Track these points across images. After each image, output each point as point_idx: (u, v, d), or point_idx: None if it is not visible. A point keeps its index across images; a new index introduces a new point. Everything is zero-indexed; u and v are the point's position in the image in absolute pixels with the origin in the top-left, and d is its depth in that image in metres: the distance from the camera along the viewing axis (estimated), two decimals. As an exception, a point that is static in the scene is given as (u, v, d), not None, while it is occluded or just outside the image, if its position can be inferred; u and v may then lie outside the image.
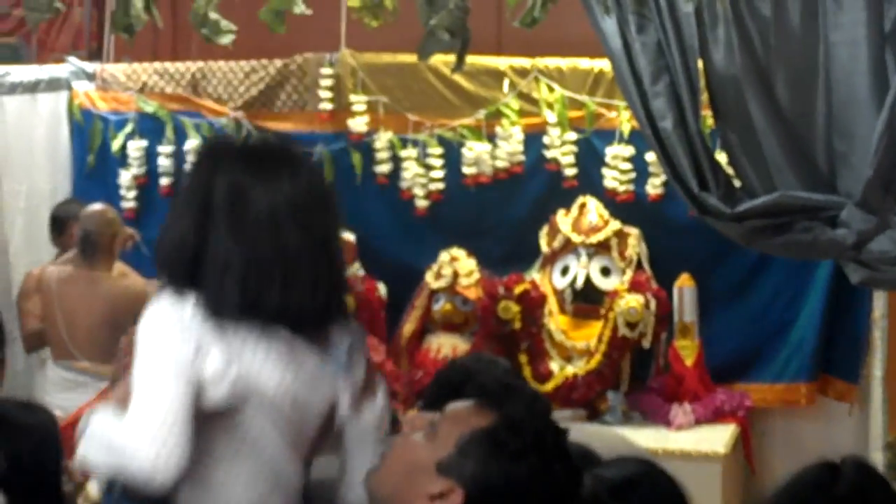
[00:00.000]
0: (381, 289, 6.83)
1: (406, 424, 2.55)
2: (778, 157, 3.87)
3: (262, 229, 2.72)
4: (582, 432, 3.89)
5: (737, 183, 4.07)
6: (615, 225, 6.61)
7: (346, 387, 2.75)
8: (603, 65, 6.54)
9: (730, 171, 4.12)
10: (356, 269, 6.90)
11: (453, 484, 2.34)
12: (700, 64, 4.01)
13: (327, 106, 7.05)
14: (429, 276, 6.82)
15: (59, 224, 6.94)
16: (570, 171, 6.74)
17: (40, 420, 3.68)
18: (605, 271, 6.62)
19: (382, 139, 6.95)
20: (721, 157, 4.18)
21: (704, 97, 4.06)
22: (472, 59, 6.12)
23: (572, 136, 6.72)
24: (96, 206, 6.68)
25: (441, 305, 6.80)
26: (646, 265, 6.63)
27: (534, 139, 6.80)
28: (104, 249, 6.55)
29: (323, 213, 2.81)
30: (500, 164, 6.83)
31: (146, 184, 7.37)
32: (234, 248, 2.71)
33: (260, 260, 2.71)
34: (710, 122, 4.35)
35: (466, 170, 6.86)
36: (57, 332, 6.56)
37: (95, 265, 6.56)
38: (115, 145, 7.38)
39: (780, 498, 2.45)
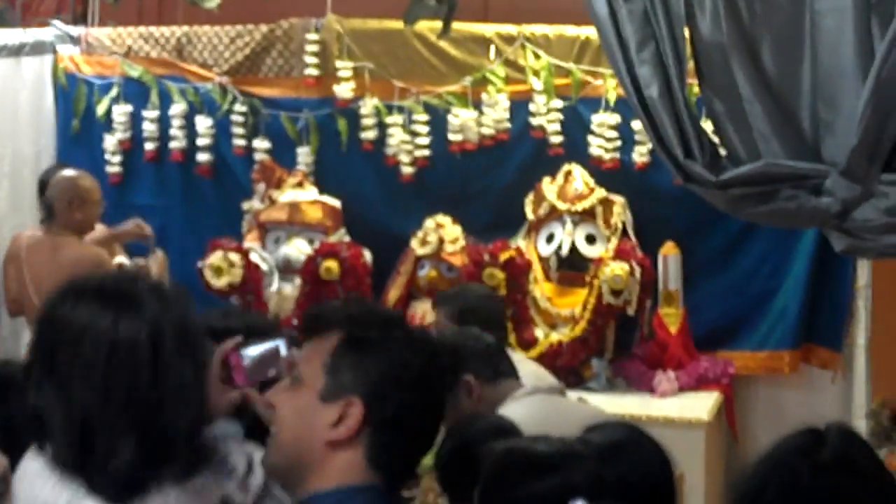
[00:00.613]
0: (367, 255, 6.82)
1: (271, 397, 2.46)
2: (763, 126, 3.87)
3: (73, 377, 2.45)
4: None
5: (722, 151, 4.08)
6: (600, 193, 6.61)
7: (231, 481, 2.60)
8: (589, 32, 6.54)
9: (715, 139, 4.13)
10: (342, 236, 6.90)
11: (343, 401, 2.34)
12: (686, 32, 4.01)
13: (313, 72, 7.04)
14: (414, 243, 6.82)
15: (45, 189, 6.90)
16: (556, 139, 6.74)
17: None
18: (591, 239, 6.63)
19: (368, 105, 6.95)
20: (706, 125, 4.19)
21: (690, 65, 4.05)
22: (458, 26, 6.12)
23: (558, 103, 6.72)
24: (64, 173, 6.59)
25: (426, 272, 6.80)
26: (631, 233, 6.64)
27: (520, 106, 6.80)
28: (62, 215, 6.42)
29: (146, 365, 2.45)
30: (486, 131, 6.83)
31: (131, 149, 7.36)
32: (49, 396, 2.47)
33: (70, 412, 2.45)
34: (695, 90, 4.35)
35: (452, 136, 6.86)
36: (28, 296, 6.53)
37: (59, 231, 6.46)
38: (100, 110, 7.36)
39: (764, 464, 2.47)
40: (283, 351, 2.84)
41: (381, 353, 2.36)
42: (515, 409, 3.84)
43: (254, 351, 2.85)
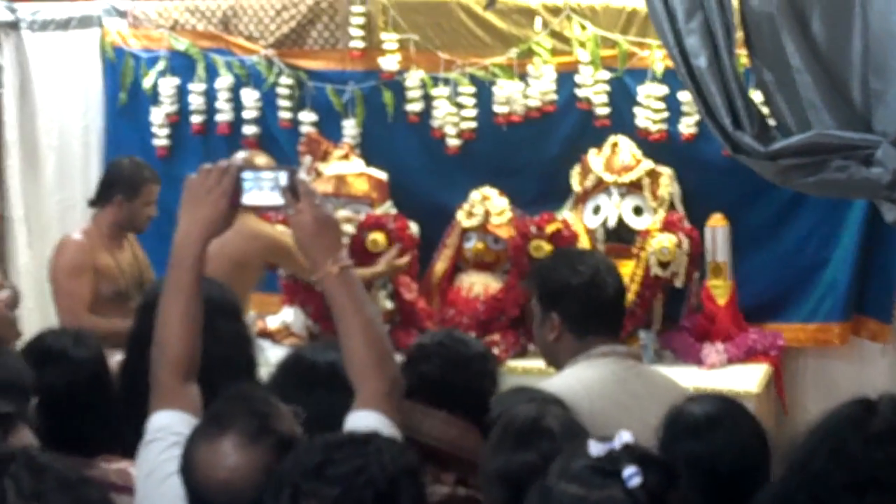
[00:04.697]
0: (413, 227, 6.83)
1: None
2: (813, 96, 3.84)
3: None
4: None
5: (771, 121, 4.06)
6: (647, 164, 6.58)
7: None
8: (636, 3, 6.50)
9: (764, 109, 4.10)
10: (388, 208, 6.90)
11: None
12: (735, 1, 3.98)
13: (359, 44, 7.03)
14: (460, 215, 6.82)
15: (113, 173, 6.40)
16: (603, 111, 6.71)
17: (90, 354, 3.74)
18: (638, 210, 6.60)
19: (414, 78, 6.93)
20: (756, 95, 4.16)
21: (739, 35, 4.03)
22: (504, -2, 6.11)
23: (605, 74, 6.68)
24: (241, 153, 6.46)
25: (472, 244, 6.80)
26: (678, 205, 6.60)
27: (566, 78, 6.77)
28: None
29: None
30: (532, 102, 6.80)
31: (178, 122, 7.39)
32: None
33: None
34: (744, 60, 4.32)
35: (498, 108, 6.83)
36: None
37: None
38: (147, 83, 7.39)
39: (815, 434, 2.46)
40: (283, 181, 2.94)
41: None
42: (584, 368, 3.82)
43: (256, 175, 2.94)
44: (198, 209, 3.00)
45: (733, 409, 3.00)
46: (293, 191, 2.94)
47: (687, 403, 2.99)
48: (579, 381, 3.75)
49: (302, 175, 3.02)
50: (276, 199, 2.96)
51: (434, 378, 3.21)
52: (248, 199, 2.99)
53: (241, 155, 6.43)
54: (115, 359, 4.97)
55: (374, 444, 2.39)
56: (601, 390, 3.71)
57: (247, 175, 2.99)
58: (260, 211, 5.59)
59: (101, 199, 6.26)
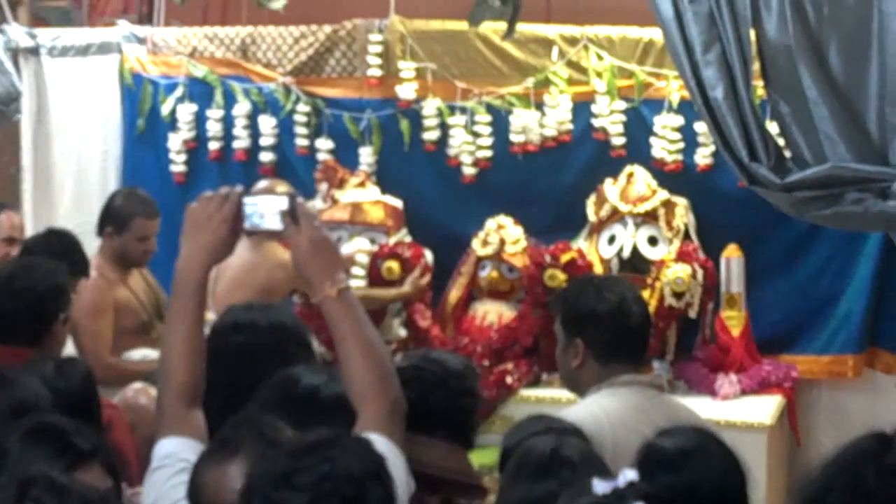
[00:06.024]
0: (428, 255, 6.84)
1: None
2: (829, 128, 3.86)
3: None
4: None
5: (787, 153, 4.07)
6: (663, 195, 6.58)
7: None
8: (653, 34, 6.52)
9: (780, 141, 4.11)
10: (403, 236, 6.92)
11: None
12: (752, 34, 4.00)
13: (376, 72, 7.06)
14: (475, 244, 6.82)
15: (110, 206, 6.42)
16: (619, 141, 6.72)
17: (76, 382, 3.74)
18: (653, 241, 6.60)
19: (430, 106, 6.96)
20: (772, 127, 4.18)
21: (756, 67, 4.04)
22: (520, 27, 6.13)
23: (621, 105, 6.70)
24: (263, 183, 6.42)
25: (487, 273, 6.80)
26: (693, 235, 6.61)
27: (582, 108, 6.78)
28: None
29: None
30: (548, 132, 6.82)
31: (195, 148, 7.41)
32: None
33: None
34: (760, 92, 4.34)
35: (514, 137, 6.85)
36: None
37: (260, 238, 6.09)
38: (165, 109, 7.42)
39: (830, 467, 2.45)
40: (284, 206, 2.98)
41: None
42: (607, 396, 3.82)
43: (256, 201, 3.03)
44: (199, 236, 3.02)
45: (705, 439, 2.99)
46: (293, 216, 2.97)
47: (658, 438, 2.97)
48: (602, 409, 3.75)
49: (301, 200, 3.05)
50: (277, 224, 2.99)
51: (412, 402, 3.18)
52: (249, 224, 3.02)
53: (262, 184, 6.43)
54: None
55: (340, 447, 2.39)
56: (624, 420, 3.71)
57: (248, 201, 3.02)
58: (260, 236, 5.60)
59: (98, 229, 6.31)
